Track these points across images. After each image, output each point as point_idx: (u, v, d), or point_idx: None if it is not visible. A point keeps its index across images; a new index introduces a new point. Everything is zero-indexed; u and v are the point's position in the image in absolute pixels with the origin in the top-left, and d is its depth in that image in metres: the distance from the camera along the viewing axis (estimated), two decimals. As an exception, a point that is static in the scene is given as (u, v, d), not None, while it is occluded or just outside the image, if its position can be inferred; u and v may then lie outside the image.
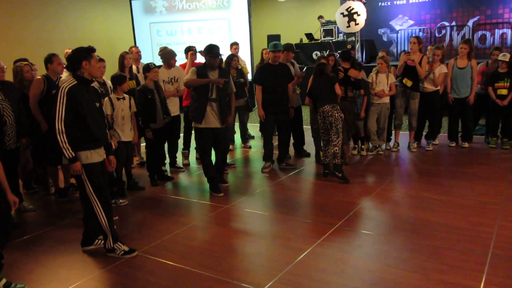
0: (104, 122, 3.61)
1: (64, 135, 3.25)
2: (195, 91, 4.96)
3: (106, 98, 4.82)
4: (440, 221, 3.96)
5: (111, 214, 3.57)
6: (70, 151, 3.29)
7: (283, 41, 8.33)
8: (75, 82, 3.31)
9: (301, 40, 12.70)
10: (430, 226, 3.85)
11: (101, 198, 3.46)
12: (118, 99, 4.89)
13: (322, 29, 12.47)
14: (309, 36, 12.49)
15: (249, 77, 7.85)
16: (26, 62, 5.02)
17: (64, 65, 4.87)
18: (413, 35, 6.72)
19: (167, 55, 5.79)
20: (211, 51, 4.82)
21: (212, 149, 5.14)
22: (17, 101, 4.57)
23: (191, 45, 6.55)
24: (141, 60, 6.69)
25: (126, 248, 3.56)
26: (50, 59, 4.87)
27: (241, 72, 6.98)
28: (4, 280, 3.07)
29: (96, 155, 3.47)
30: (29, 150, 5.11)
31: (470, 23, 11.97)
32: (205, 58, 4.90)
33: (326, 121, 5.32)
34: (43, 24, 10.38)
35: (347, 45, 9.57)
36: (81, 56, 3.31)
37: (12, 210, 3.12)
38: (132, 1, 10.49)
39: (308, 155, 6.48)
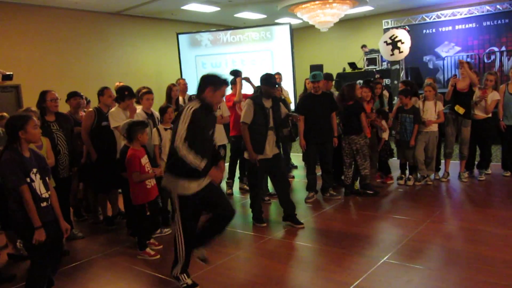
0: (210, 152, 3.35)
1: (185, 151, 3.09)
2: (253, 122, 4.79)
3: (154, 129, 4.97)
4: (496, 255, 3.72)
5: (191, 244, 3.41)
6: (200, 162, 3.12)
7: (325, 71, 8.36)
8: (199, 105, 3.21)
9: (344, 69, 12.68)
10: (486, 261, 3.63)
11: (186, 229, 3.35)
12: (166, 129, 5.02)
13: (365, 58, 12.41)
14: (352, 65, 12.45)
15: (292, 107, 7.86)
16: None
17: (114, 98, 5.13)
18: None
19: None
20: (269, 80, 4.85)
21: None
22: (70, 132, 4.80)
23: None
24: (188, 92, 6.87)
25: (190, 282, 3.44)
26: (101, 92, 5.13)
27: (284, 102, 7.00)
28: (52, 307, 3.15)
29: (195, 186, 3.24)
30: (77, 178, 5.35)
31: (521, 47, 11.55)
32: (262, 88, 4.90)
33: (352, 147, 5.67)
34: (95, 58, 10.94)
35: (376, 75, 9.47)
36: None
37: (64, 237, 3.22)
38: (179, 35, 10.91)
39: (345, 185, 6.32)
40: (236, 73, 6.18)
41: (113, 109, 4.86)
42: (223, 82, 3.30)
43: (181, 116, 3.14)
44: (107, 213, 5.35)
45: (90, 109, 5.17)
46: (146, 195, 4.21)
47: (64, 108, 5.32)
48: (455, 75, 6.20)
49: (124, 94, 4.79)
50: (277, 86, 4.91)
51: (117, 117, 4.72)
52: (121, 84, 6.50)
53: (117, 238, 4.86)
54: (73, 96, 5.47)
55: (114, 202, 5.40)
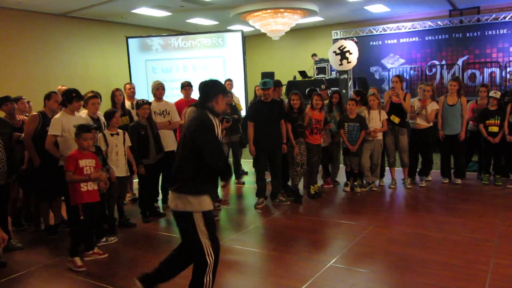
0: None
1: None
2: None
3: (100, 134, 4.84)
4: (434, 258, 3.91)
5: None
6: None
7: (277, 78, 8.48)
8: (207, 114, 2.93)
9: (294, 77, 12.91)
10: (424, 264, 3.80)
11: (216, 251, 2.95)
12: (112, 134, 4.91)
13: (315, 67, 12.71)
14: (303, 73, 12.71)
15: (243, 113, 7.91)
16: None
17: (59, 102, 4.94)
18: (396, 74, 6.87)
19: (152, 87, 6.06)
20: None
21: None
22: (9, 137, 4.56)
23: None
24: (136, 96, 6.74)
25: None
26: (48, 96, 4.93)
27: (235, 108, 7.05)
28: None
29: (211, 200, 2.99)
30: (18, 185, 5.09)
31: (459, 62, 12.26)
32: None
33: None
34: (39, 61, 10.50)
35: (321, 85, 9.76)
36: None
37: (0, 247, 3.04)
38: (128, 39, 10.69)
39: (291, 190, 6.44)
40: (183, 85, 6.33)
41: (57, 115, 4.67)
42: (226, 91, 3.13)
43: (202, 132, 2.85)
44: (49, 221, 5.12)
45: (34, 113, 4.93)
46: (79, 197, 4.08)
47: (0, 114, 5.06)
48: (392, 87, 6.48)
49: (72, 96, 4.62)
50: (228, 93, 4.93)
51: (56, 126, 4.53)
52: (64, 87, 6.27)
53: (60, 247, 4.65)
54: (4, 102, 5.13)
55: (57, 210, 5.18)
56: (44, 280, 3.88)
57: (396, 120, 6.33)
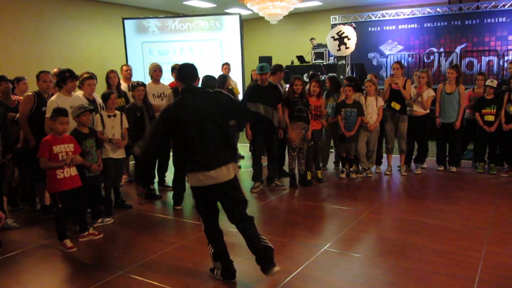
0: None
1: None
2: None
3: (97, 115, 4.81)
4: (428, 244, 3.95)
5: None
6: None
7: (274, 63, 8.42)
8: None
9: (292, 62, 12.85)
10: (418, 250, 3.84)
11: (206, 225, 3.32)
12: (109, 116, 4.88)
13: (313, 52, 12.64)
14: (300, 58, 12.64)
15: (240, 97, 7.88)
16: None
17: (52, 83, 4.90)
18: (396, 60, 6.85)
19: (149, 69, 6.09)
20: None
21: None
22: (3, 117, 4.53)
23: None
24: (133, 79, 6.70)
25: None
26: (37, 77, 4.90)
27: (232, 93, 7.02)
28: (-17, 299, 2.99)
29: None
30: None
31: (457, 49, 12.24)
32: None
33: None
34: (35, 41, 10.37)
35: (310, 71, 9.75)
36: None
37: None
38: (125, 20, 10.55)
39: (286, 175, 6.46)
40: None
41: (53, 97, 4.63)
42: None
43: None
44: (45, 202, 5.11)
45: (29, 94, 4.89)
46: (55, 185, 4.02)
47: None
48: (392, 75, 6.48)
49: (66, 76, 4.58)
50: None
51: (51, 108, 4.48)
52: (58, 70, 6.21)
53: (54, 227, 4.64)
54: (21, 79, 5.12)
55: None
56: (39, 259, 3.90)
57: (396, 106, 6.32)
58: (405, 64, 12.61)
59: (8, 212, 5.01)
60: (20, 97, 5.31)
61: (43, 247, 4.15)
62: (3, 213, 3.04)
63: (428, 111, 6.44)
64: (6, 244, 4.19)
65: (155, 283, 3.35)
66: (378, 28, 13.36)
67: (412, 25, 12.86)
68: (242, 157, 8.01)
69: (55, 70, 6.31)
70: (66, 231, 4.14)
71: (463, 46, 12.21)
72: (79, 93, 5.07)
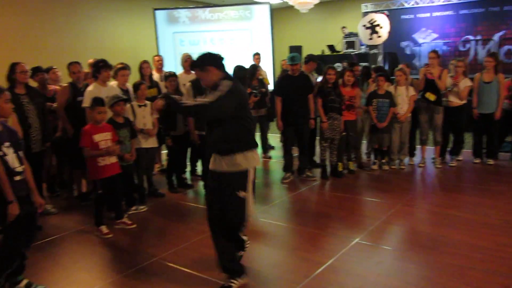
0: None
1: None
2: None
3: (128, 105, 4.89)
4: (464, 239, 3.86)
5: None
6: None
7: (305, 52, 8.34)
8: None
9: (323, 51, 12.68)
10: (453, 244, 3.76)
11: None
12: (140, 106, 4.96)
13: (344, 41, 12.44)
14: (331, 47, 12.46)
15: (270, 87, 7.85)
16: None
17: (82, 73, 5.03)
18: (432, 49, 6.65)
19: (181, 59, 6.17)
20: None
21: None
22: (42, 106, 4.67)
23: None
24: (164, 69, 6.77)
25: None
26: (67, 68, 5.04)
27: (262, 82, 7.00)
28: (25, 281, 3.13)
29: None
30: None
31: (495, 37, 11.78)
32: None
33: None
34: (68, 32, 10.58)
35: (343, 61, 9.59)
36: None
37: (38, 212, 3.16)
38: (156, 11, 10.65)
39: (317, 165, 6.42)
40: None
41: (90, 87, 4.74)
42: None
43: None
44: (82, 189, 5.27)
45: (65, 85, 5.04)
46: (97, 172, 4.15)
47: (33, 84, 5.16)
48: (427, 64, 6.29)
49: (99, 66, 4.70)
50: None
51: (89, 98, 4.57)
52: (94, 60, 6.35)
53: (91, 213, 4.78)
54: (35, 72, 5.23)
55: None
56: (77, 244, 4.03)
57: (431, 97, 6.14)
58: (440, 53, 12.25)
59: (47, 198, 5.19)
60: (56, 87, 5.46)
61: (80, 232, 4.29)
62: (42, 199, 3.17)
63: (465, 101, 6.25)
64: (45, 229, 4.35)
65: (188, 270, 3.41)
66: (412, 16, 12.98)
67: (447, 12, 12.42)
68: (273, 148, 8.00)
69: (91, 60, 6.46)
70: (103, 218, 4.27)
71: (501, 33, 11.73)
72: (113, 83, 5.17)
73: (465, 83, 6.16)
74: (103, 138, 4.17)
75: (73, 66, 5.02)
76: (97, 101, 4.19)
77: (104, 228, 4.19)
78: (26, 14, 9.70)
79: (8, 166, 2.86)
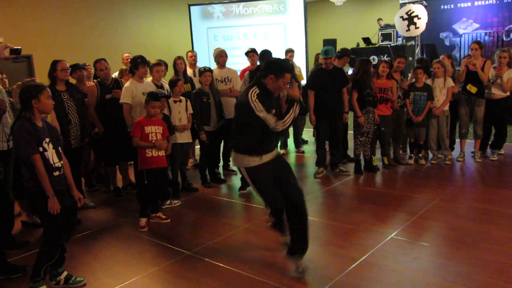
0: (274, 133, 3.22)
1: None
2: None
3: (164, 101, 4.96)
4: (505, 235, 3.71)
5: (278, 215, 3.29)
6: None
7: (339, 46, 8.21)
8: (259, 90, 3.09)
9: (357, 44, 12.45)
10: (494, 240, 3.62)
11: (267, 198, 3.25)
12: (175, 101, 5.03)
13: (380, 33, 12.16)
14: (367, 40, 12.22)
15: (304, 83, 7.78)
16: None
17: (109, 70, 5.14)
18: (475, 40, 6.38)
19: (214, 54, 6.14)
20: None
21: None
22: (81, 103, 4.82)
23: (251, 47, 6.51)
24: (198, 64, 6.83)
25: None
26: (94, 66, 5.17)
27: (295, 77, 6.92)
28: (65, 273, 3.23)
29: (257, 159, 3.18)
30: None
31: (541, 26, 11.22)
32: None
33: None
34: (106, 29, 10.87)
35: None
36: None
37: (78, 206, 3.24)
38: (190, 7, 10.76)
39: (351, 160, 6.31)
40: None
41: (127, 83, 4.84)
42: (286, 70, 3.11)
43: (250, 106, 3.02)
44: (117, 184, 5.40)
45: (92, 84, 5.16)
46: (144, 162, 4.27)
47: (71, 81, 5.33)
48: (469, 55, 6.05)
49: (137, 62, 4.78)
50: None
51: (126, 93, 4.70)
52: (128, 55, 6.49)
53: (127, 208, 4.92)
54: (74, 69, 5.31)
55: (125, 173, 5.47)
56: (114, 237, 4.15)
57: (473, 89, 5.92)
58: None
59: (85, 192, 5.36)
60: (92, 83, 5.61)
61: (117, 226, 4.41)
62: (81, 194, 3.27)
63: (508, 93, 5.98)
64: (84, 222, 4.49)
65: (221, 264, 3.44)
66: (452, 6, 12.55)
67: (490, 1, 11.93)
68: (306, 142, 7.94)
69: (126, 54, 6.61)
70: (147, 209, 4.38)
71: (548, 21, 11.18)
72: (149, 79, 5.27)
73: (509, 75, 5.88)
74: (154, 131, 4.30)
75: (99, 64, 5.10)
76: (152, 96, 4.32)
77: (143, 221, 4.30)
78: (63, 13, 10.04)
79: (47, 162, 2.97)
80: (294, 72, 4.85)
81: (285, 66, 3.13)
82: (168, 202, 4.86)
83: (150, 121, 4.31)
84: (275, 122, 3.05)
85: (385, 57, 10.24)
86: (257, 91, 3.08)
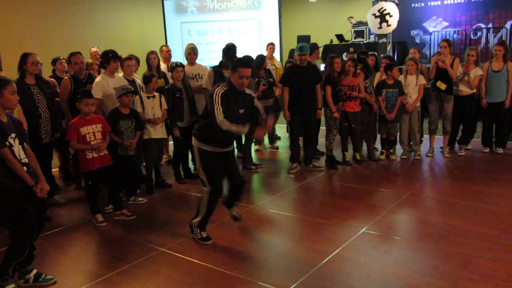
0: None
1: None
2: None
3: (137, 96, 4.90)
4: (471, 228, 3.84)
5: (214, 203, 3.72)
6: (242, 128, 3.44)
7: (313, 42, 8.27)
8: (227, 88, 3.45)
9: (331, 41, 12.58)
10: (461, 233, 3.74)
11: (212, 182, 3.61)
12: (148, 97, 4.97)
13: (353, 30, 12.32)
14: (340, 37, 12.36)
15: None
16: None
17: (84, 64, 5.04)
18: (444, 38, 6.55)
19: (184, 52, 6.13)
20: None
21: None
22: (52, 97, 4.71)
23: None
24: (172, 59, 6.76)
25: (204, 235, 3.76)
26: (68, 60, 5.07)
27: (269, 72, 6.96)
28: (35, 271, 3.17)
29: (211, 147, 3.63)
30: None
31: (507, 25, 11.57)
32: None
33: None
34: (77, 23, 10.62)
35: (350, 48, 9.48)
36: None
37: (39, 195, 3.03)
38: (164, 1, 10.63)
39: (323, 154, 6.41)
40: None
41: (98, 78, 4.74)
42: (239, 65, 3.41)
43: (212, 98, 3.39)
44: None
45: (66, 78, 5.03)
46: (85, 164, 4.15)
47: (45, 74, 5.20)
48: (439, 52, 6.21)
49: (109, 57, 4.69)
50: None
51: (97, 88, 4.60)
52: (96, 49, 6.35)
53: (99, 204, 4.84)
54: (54, 63, 5.29)
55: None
56: (85, 234, 4.08)
57: (442, 86, 6.08)
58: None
59: (62, 185, 5.28)
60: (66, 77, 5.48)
61: (88, 223, 4.33)
62: (48, 186, 3.12)
63: (475, 90, 6.17)
64: (54, 219, 4.41)
65: (195, 260, 3.43)
66: (422, 4, 12.82)
67: (459, 0, 12.24)
68: (279, 138, 7.99)
69: (93, 49, 6.47)
70: (98, 206, 4.32)
71: (514, 21, 11.54)
72: (120, 74, 5.18)
73: (475, 72, 6.08)
74: (91, 131, 4.12)
75: (75, 57, 4.93)
76: (84, 93, 4.14)
77: (99, 216, 4.26)
78: (34, 5, 9.76)
79: (15, 157, 2.89)
80: (254, 68, 5.14)
81: (240, 61, 3.48)
82: (133, 198, 4.81)
83: (85, 121, 4.11)
84: (222, 118, 3.34)
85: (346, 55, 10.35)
86: (226, 88, 3.41)
